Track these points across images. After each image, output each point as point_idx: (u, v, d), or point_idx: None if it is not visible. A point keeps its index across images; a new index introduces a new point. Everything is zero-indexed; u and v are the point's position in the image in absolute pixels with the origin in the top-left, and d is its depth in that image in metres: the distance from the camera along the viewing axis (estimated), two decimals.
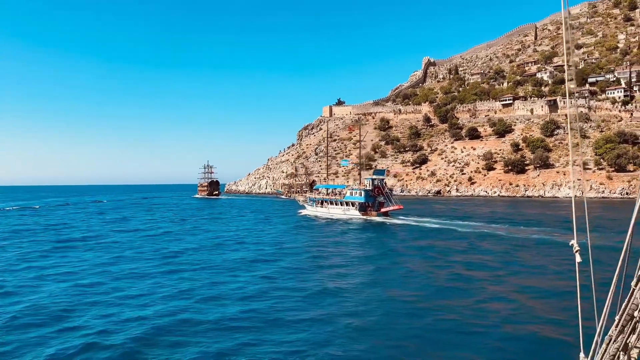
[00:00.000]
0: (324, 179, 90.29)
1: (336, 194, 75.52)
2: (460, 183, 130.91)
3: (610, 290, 3.50)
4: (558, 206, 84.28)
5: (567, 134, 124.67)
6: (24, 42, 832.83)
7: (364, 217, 66.60)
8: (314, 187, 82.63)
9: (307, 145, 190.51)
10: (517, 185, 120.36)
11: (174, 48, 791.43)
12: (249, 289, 24.52)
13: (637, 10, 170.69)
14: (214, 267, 30.88)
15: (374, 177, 70.91)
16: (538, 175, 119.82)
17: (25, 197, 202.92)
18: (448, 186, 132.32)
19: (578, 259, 4.07)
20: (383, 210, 66.67)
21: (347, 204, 70.58)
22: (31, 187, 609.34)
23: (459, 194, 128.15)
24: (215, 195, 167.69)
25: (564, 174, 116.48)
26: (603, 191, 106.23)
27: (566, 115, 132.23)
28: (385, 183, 72.07)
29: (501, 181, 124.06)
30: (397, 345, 15.99)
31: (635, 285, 3.26)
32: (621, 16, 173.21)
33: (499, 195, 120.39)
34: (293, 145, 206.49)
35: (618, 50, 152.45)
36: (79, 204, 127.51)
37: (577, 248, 4.11)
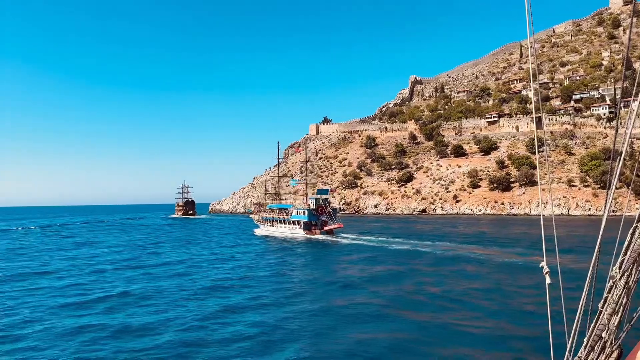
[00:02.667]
0: (278, 198, 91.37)
1: (284, 213, 76.53)
2: (445, 201, 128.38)
3: (578, 311, 3.53)
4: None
5: (552, 151, 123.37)
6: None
7: (308, 235, 68.55)
8: (267, 207, 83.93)
9: (292, 163, 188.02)
10: (503, 203, 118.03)
11: (161, 70, 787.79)
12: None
13: (620, 29, 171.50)
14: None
15: (318, 196, 72.78)
16: (524, 193, 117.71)
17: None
18: (433, 204, 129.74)
19: (548, 280, 4.01)
20: (326, 228, 68.47)
21: (293, 222, 72.57)
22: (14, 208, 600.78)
23: (444, 212, 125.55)
24: (191, 214, 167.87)
25: (550, 192, 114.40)
26: (589, 209, 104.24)
27: (552, 132, 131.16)
28: (329, 202, 74.73)
29: (486, 199, 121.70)
30: None
31: (602, 307, 3.36)
32: (605, 34, 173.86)
33: (484, 213, 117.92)
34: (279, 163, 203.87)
35: (602, 67, 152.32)
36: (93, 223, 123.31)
37: (547, 270, 4.04)
